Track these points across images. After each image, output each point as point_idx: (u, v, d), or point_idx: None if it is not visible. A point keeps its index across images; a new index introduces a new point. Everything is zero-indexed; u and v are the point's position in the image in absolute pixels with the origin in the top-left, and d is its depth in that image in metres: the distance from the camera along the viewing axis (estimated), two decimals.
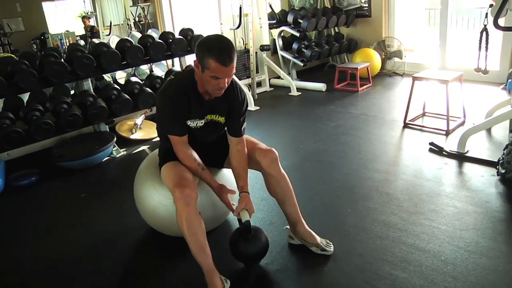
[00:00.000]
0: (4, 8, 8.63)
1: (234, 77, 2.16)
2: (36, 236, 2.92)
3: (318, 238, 2.43)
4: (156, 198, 2.43)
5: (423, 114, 4.58)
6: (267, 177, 2.37)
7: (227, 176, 2.57)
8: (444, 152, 3.61)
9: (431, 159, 3.53)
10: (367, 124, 4.48)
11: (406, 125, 4.32)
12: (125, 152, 4.28)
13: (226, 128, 2.34)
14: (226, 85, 2.03)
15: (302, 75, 6.54)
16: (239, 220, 2.25)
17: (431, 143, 3.74)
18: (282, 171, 2.38)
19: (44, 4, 8.60)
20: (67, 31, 9.65)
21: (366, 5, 6.69)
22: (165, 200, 2.38)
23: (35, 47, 8.91)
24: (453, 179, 3.18)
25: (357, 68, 5.72)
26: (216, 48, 1.91)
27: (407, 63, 6.48)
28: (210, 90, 2.05)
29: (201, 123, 2.22)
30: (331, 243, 2.44)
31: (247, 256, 2.29)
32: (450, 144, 3.76)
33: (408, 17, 6.86)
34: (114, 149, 4.19)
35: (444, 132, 4.03)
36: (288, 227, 2.51)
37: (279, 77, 6.19)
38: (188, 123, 2.18)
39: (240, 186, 2.31)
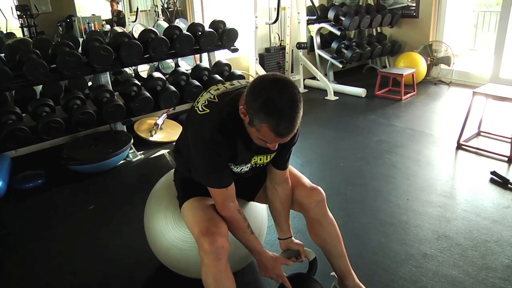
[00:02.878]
0: None
1: None
2: (27, 261, 2.50)
3: None
4: (169, 239, 1.97)
5: (478, 134, 4.03)
6: (311, 221, 1.93)
7: (256, 210, 2.12)
8: (509, 185, 3.08)
9: (494, 193, 3.01)
10: (414, 141, 3.95)
11: (459, 146, 3.78)
12: (142, 156, 3.86)
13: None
14: (276, 147, 1.54)
15: (339, 78, 6.01)
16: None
17: (493, 173, 3.20)
18: (330, 214, 1.92)
19: None
20: (93, 14, 9.33)
21: (414, 4, 6.11)
22: (181, 243, 1.93)
23: (60, 29, 8.62)
24: None
25: (402, 74, 5.17)
26: (277, 112, 1.35)
27: (454, 71, 5.90)
28: (256, 142, 1.55)
29: (247, 168, 1.75)
30: None
31: None
32: None
33: (457, 19, 6.24)
34: (130, 151, 3.78)
35: (507, 159, 3.49)
36: (334, 274, 2.05)
37: (314, 78, 5.68)
38: (232, 168, 1.71)
39: (285, 231, 1.93)
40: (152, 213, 2.06)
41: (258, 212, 2.14)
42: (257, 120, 1.38)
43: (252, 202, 2.09)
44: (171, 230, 1.96)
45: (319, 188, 1.90)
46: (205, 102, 1.57)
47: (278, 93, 1.35)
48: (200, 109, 1.56)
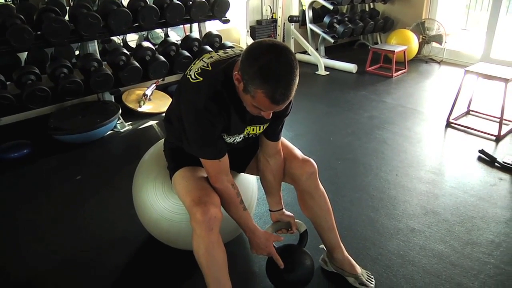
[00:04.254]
0: None
1: None
2: (10, 234, 2.45)
3: (359, 269, 1.99)
4: (158, 210, 1.94)
5: (467, 113, 4.04)
6: (302, 193, 1.91)
7: (246, 182, 2.09)
8: (496, 164, 3.10)
9: (482, 171, 3.03)
10: (405, 118, 3.95)
11: (449, 124, 3.80)
12: (130, 127, 3.80)
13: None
14: (270, 116, 1.49)
15: (330, 53, 5.94)
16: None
17: (481, 151, 3.23)
18: (321, 187, 1.92)
19: None
20: None
21: None
22: (170, 214, 1.91)
23: None
24: None
25: (393, 51, 5.14)
26: (274, 78, 1.31)
27: (446, 50, 5.87)
28: (248, 110, 1.51)
29: (240, 138, 1.71)
30: (372, 276, 2.00)
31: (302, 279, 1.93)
32: (502, 152, 3.25)
33: None
34: (118, 122, 3.72)
35: (494, 138, 3.51)
36: (323, 247, 2.06)
37: (305, 52, 5.62)
38: (224, 139, 1.67)
39: (276, 203, 1.93)
40: (141, 184, 2.03)
41: (249, 184, 2.12)
42: (252, 86, 1.34)
43: (243, 173, 2.06)
44: (160, 201, 1.93)
45: (311, 160, 1.88)
46: (198, 70, 1.52)
47: (275, 59, 1.31)
48: (193, 77, 1.51)
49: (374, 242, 2.29)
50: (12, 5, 3.72)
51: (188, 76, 1.54)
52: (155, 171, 2.00)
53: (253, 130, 1.71)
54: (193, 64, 1.58)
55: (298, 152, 1.91)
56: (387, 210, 2.56)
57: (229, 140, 1.69)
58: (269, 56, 1.31)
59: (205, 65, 1.53)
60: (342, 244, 2.00)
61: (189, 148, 1.65)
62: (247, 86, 1.36)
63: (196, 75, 1.50)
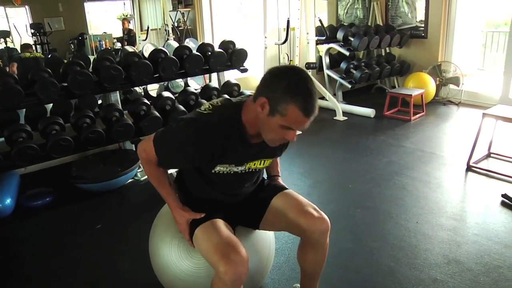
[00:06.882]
0: (47, 7, 8.52)
1: None
2: (32, 283, 2.48)
3: None
4: (176, 270, 1.90)
5: (488, 155, 3.99)
6: (306, 245, 1.89)
7: (262, 239, 2.04)
8: None
9: (505, 217, 2.96)
10: (424, 163, 3.92)
11: (469, 168, 3.74)
12: None
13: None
14: (295, 139, 1.54)
15: (348, 98, 6.00)
16: None
17: (504, 195, 3.16)
18: (328, 243, 1.88)
19: (86, 4, 8.44)
20: (104, 32, 9.46)
21: (422, 25, 6.12)
22: (188, 275, 1.87)
23: (72, 47, 8.75)
24: None
25: (411, 94, 5.16)
26: (303, 92, 1.42)
27: (463, 91, 5.87)
28: (269, 139, 1.57)
29: (237, 169, 1.71)
30: None
31: None
32: None
33: (466, 39, 6.23)
34: (139, 170, 3.78)
35: None
36: (298, 286, 2.09)
37: (323, 98, 5.68)
38: (217, 169, 1.67)
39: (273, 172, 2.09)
40: (157, 242, 2.00)
41: (265, 240, 2.06)
42: (283, 103, 1.41)
43: (258, 230, 2.00)
44: (176, 262, 1.89)
45: (326, 217, 1.81)
46: (208, 106, 1.61)
47: (298, 76, 1.45)
48: (202, 109, 1.60)
49: None
50: (42, 55, 3.90)
51: (197, 110, 1.62)
52: (172, 231, 1.95)
53: (254, 165, 1.74)
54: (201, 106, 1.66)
55: (311, 208, 1.82)
56: (408, 260, 2.50)
57: (224, 169, 1.68)
58: (293, 74, 1.46)
59: (215, 103, 1.63)
60: None
61: (158, 148, 1.65)
62: (276, 106, 1.43)
63: (205, 109, 1.60)
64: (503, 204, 3.12)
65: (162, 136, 1.65)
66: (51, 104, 3.85)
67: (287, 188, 1.93)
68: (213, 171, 1.68)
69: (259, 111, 1.48)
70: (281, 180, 2.04)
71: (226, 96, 4.26)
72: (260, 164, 1.76)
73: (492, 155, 3.99)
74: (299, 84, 1.42)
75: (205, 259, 1.67)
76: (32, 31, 8.05)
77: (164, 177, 1.75)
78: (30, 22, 8.34)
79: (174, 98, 4.11)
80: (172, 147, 1.61)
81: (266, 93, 1.45)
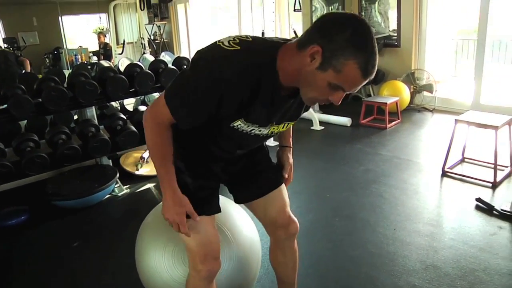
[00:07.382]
0: (21, 21, 8.44)
1: None
2: None
3: None
4: (165, 278, 1.91)
5: (462, 160, 4.07)
6: (276, 248, 1.91)
7: (249, 245, 2.04)
8: (494, 212, 3.09)
9: (480, 220, 3.02)
10: (400, 170, 3.98)
11: (444, 173, 3.81)
12: (128, 190, 3.82)
13: None
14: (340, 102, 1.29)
15: (324, 107, 6.05)
16: None
17: (478, 199, 3.22)
18: (296, 248, 1.93)
19: (61, 18, 8.35)
20: (80, 46, 9.39)
21: (395, 34, 6.25)
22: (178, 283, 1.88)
23: (47, 61, 8.66)
24: None
25: (386, 102, 5.25)
26: (367, 49, 1.16)
27: (437, 98, 6.00)
28: (309, 97, 1.30)
29: (259, 131, 1.45)
30: None
31: None
32: (499, 199, 3.25)
33: (438, 47, 6.39)
34: (116, 186, 3.74)
35: (490, 184, 3.52)
36: None
37: None
38: (235, 124, 1.38)
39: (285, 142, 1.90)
40: (145, 249, 1.99)
41: (255, 254, 2.08)
42: (342, 57, 1.14)
43: (245, 235, 2.02)
44: (169, 270, 1.90)
45: (297, 222, 1.85)
46: (234, 40, 1.26)
47: (363, 30, 1.17)
48: (227, 44, 1.25)
49: None
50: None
51: (219, 43, 1.27)
52: (163, 237, 1.94)
53: (277, 128, 1.52)
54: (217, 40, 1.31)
55: (287, 208, 1.82)
56: (387, 267, 2.53)
57: (244, 127, 1.41)
58: (357, 24, 1.17)
59: (244, 37, 1.30)
60: None
61: (171, 101, 1.33)
62: (331, 59, 1.16)
63: (231, 43, 1.25)
64: (478, 208, 3.18)
65: (178, 87, 1.33)
66: (25, 121, 3.81)
67: (282, 181, 1.86)
68: (231, 125, 1.39)
69: (306, 62, 1.19)
70: (290, 155, 1.87)
71: None
72: (282, 128, 1.54)
73: (466, 160, 4.07)
74: (364, 38, 1.16)
75: (186, 250, 1.63)
76: (5, 45, 7.95)
77: (170, 150, 1.44)
78: (3, 37, 8.23)
79: None
80: (195, 96, 1.27)
81: (320, 42, 1.16)
